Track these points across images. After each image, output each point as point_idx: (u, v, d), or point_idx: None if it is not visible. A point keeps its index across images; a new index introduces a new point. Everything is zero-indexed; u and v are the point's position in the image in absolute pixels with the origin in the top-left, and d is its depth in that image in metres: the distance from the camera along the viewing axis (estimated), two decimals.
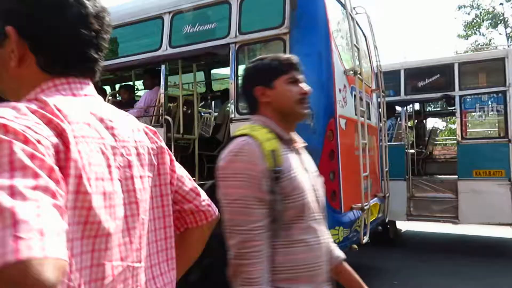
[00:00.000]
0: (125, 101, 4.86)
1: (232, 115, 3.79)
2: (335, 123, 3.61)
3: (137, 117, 3.96)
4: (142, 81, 5.46)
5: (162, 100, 4.14)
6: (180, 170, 0.95)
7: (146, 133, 0.88)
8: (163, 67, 4.17)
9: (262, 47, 3.85)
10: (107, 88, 6.59)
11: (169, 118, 4.12)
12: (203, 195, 0.99)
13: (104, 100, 0.99)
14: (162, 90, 4.17)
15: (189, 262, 1.02)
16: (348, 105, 3.98)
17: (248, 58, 3.87)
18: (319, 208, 1.25)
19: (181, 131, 4.38)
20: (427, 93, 6.27)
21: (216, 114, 6.57)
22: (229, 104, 6.24)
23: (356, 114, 4.11)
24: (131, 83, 5.73)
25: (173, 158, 0.93)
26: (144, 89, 4.75)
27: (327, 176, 3.48)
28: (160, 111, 4.14)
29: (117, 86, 6.11)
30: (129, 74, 6.20)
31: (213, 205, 1.01)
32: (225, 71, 7.30)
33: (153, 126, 4.25)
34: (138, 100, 4.79)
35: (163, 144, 0.91)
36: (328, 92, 3.59)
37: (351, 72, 3.88)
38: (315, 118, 3.46)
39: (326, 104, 3.57)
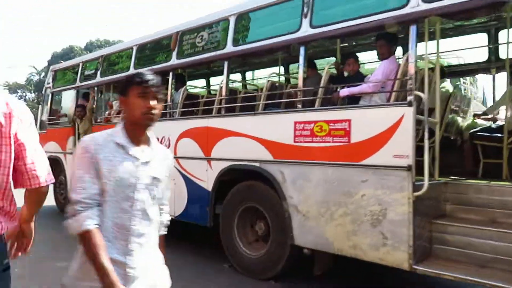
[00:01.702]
0: (352, 74, 4.05)
1: None
2: None
3: (371, 93, 3.08)
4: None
5: (412, 72, 3.20)
6: (25, 136, 1.45)
7: (7, 104, 1.44)
8: (413, 28, 3.21)
9: None
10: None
11: (422, 95, 3.17)
12: (38, 166, 1.49)
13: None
14: (411, 58, 3.23)
15: (30, 214, 1.65)
16: None
17: None
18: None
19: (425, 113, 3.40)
20: None
21: None
22: (444, 84, 5.15)
23: None
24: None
25: (24, 125, 1.46)
26: (380, 59, 3.86)
27: None
28: (409, 85, 3.20)
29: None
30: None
31: (39, 179, 1.50)
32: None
33: (393, 104, 3.41)
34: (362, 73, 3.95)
35: (16, 113, 1.44)
36: None
37: None
38: None
39: None
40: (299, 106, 4.02)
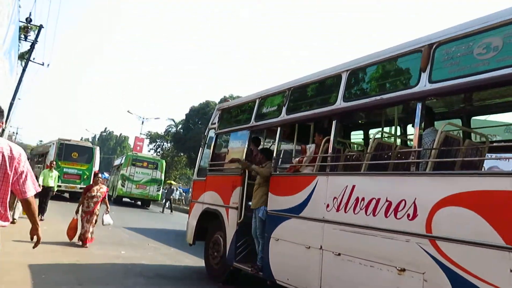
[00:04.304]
0: None
1: None
2: None
3: None
4: None
5: None
6: (21, 171, 2.65)
7: (11, 149, 2.59)
8: None
9: None
10: None
11: None
12: (26, 187, 2.70)
13: None
14: None
15: (31, 221, 2.87)
16: None
17: None
18: None
19: None
20: None
21: None
22: None
23: None
24: None
25: (21, 164, 2.65)
26: None
27: None
28: None
29: None
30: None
31: (26, 193, 2.72)
32: None
33: None
34: None
35: (16, 155, 2.61)
36: None
37: None
38: None
39: None
40: None
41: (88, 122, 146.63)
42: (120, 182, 21.78)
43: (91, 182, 8.99)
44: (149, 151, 57.26)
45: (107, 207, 8.60)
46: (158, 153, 53.61)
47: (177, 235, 12.95)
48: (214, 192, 6.70)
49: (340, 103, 4.53)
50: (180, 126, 52.77)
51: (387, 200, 3.66)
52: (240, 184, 6.00)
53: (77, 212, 8.23)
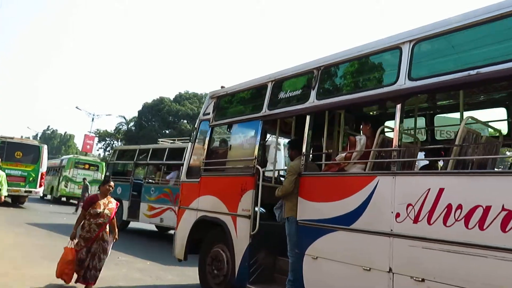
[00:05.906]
0: None
1: None
2: None
3: None
4: None
5: None
6: None
7: None
8: None
9: None
10: None
11: None
12: None
13: None
14: None
15: None
16: None
17: None
18: None
19: None
20: None
21: None
22: None
23: None
24: None
25: None
26: None
27: None
28: None
29: None
30: None
31: None
32: None
33: None
34: None
35: None
36: None
37: None
38: None
39: None
40: None
41: (29, 119, 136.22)
42: (63, 183, 23.18)
43: (99, 190, 5.66)
44: (97, 150, 53.95)
45: (116, 234, 5.50)
46: (109, 152, 50.57)
47: (143, 241, 11.51)
48: (214, 197, 5.48)
49: (404, 82, 3.52)
50: (132, 123, 50.18)
51: (503, 209, 2.69)
52: (252, 187, 4.84)
53: (73, 237, 5.27)
